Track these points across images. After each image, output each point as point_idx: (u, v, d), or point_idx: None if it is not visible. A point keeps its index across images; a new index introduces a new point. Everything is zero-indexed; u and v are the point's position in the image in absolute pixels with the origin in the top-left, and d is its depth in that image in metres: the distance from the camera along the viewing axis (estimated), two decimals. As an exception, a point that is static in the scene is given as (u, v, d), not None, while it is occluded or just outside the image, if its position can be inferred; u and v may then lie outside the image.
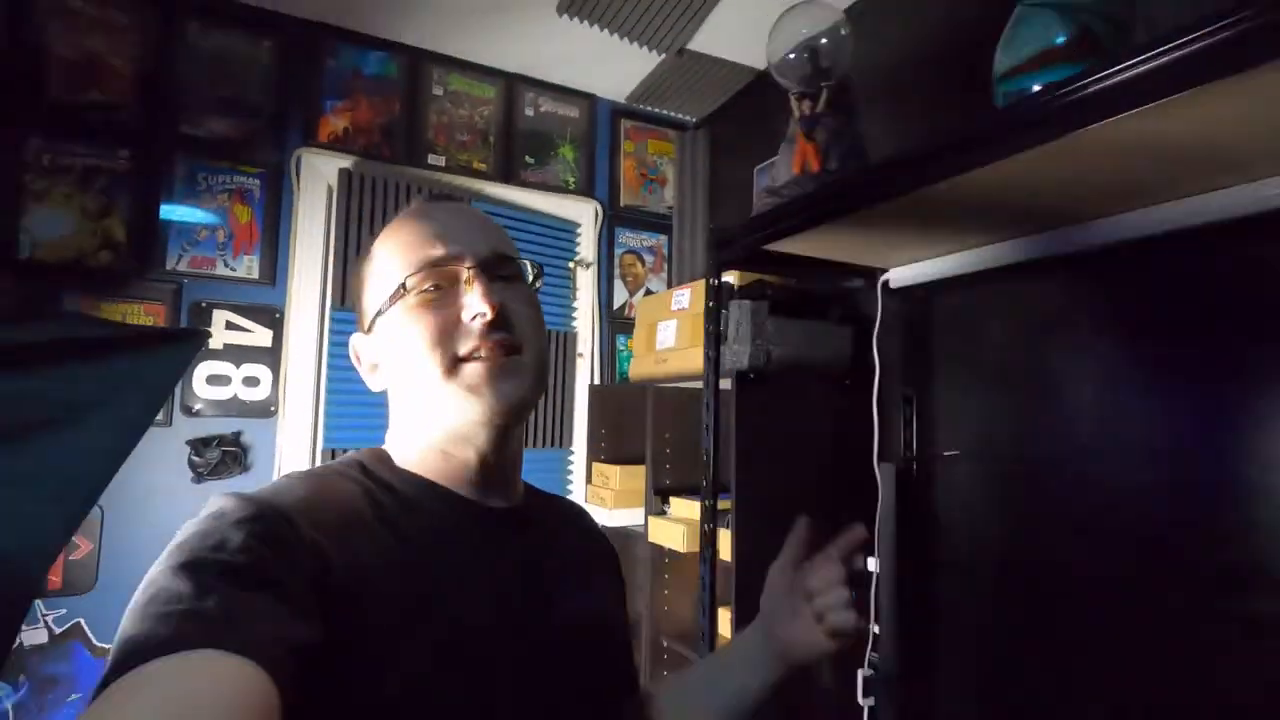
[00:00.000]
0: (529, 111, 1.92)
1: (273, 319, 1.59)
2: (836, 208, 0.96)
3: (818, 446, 1.33)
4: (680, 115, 2.10)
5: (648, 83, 1.91)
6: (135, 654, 0.34)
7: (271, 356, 1.58)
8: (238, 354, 1.56)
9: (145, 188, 1.49)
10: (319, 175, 1.65)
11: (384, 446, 0.60)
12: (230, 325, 1.55)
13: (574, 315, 1.94)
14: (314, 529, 0.46)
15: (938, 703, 1.23)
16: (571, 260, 1.93)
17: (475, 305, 0.52)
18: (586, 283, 1.95)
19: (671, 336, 1.65)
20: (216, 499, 0.46)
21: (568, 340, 1.91)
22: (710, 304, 1.21)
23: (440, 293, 0.55)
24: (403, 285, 0.54)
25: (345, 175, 1.63)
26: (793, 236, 1.07)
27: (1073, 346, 1.05)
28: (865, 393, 1.26)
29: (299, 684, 0.38)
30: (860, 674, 1.25)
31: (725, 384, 1.25)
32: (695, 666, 0.72)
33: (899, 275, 1.26)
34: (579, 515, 0.70)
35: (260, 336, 1.58)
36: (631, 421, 1.73)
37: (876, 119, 1.30)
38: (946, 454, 1.22)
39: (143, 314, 1.47)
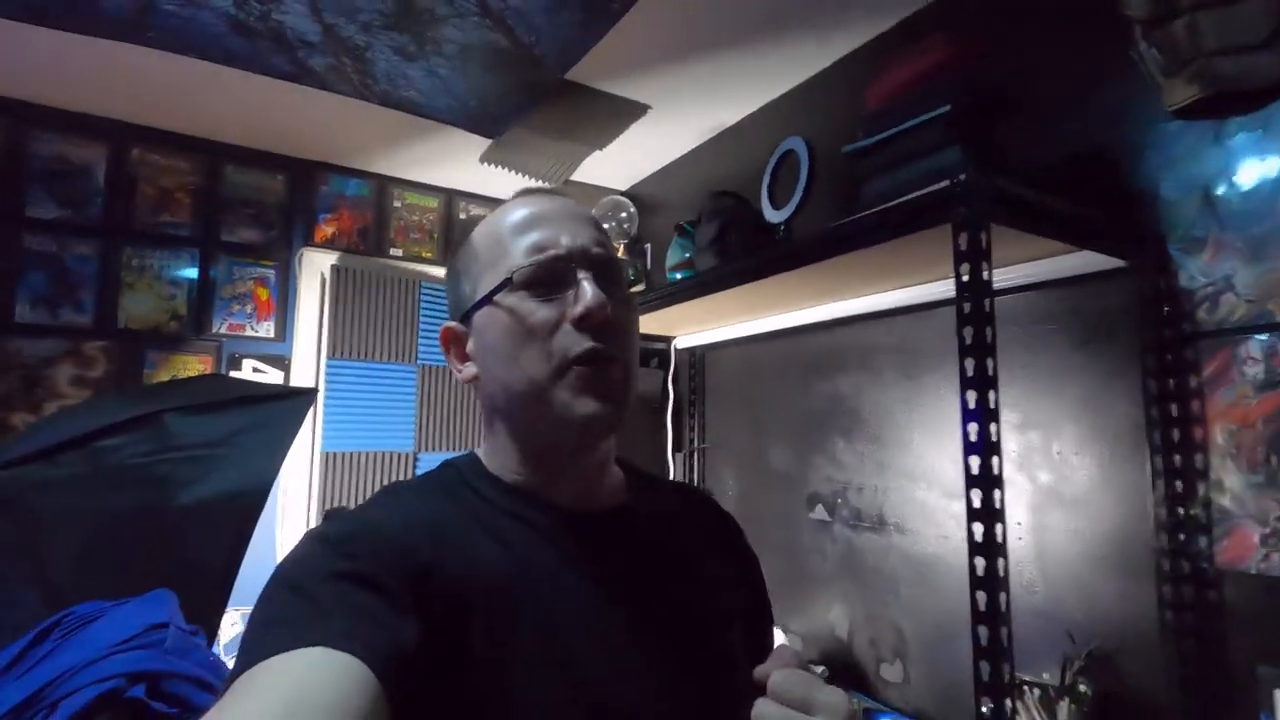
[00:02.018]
0: (462, 215, 2.72)
1: (283, 364, 2.33)
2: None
3: (638, 444, 2.16)
4: (573, 213, 2.94)
5: (547, 196, 2.73)
6: (255, 654, 0.38)
7: (282, 390, 2.33)
8: (259, 388, 2.30)
9: (201, 277, 2.23)
10: (315, 266, 2.41)
11: (478, 451, 0.60)
12: (256, 370, 2.29)
13: (495, 358, 2.74)
14: (412, 542, 0.47)
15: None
16: (493, 319, 2.74)
17: (584, 305, 0.51)
18: (504, 335, 2.76)
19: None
20: (319, 523, 0.49)
21: (490, 375, 2.71)
22: (567, 359, 2.04)
23: (544, 289, 0.52)
24: (509, 278, 0.52)
25: (335, 271, 2.40)
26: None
27: (776, 385, 1.92)
28: (665, 412, 2.11)
29: (403, 687, 0.40)
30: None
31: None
32: None
33: (681, 341, 2.11)
34: (693, 501, 0.68)
35: (275, 376, 2.32)
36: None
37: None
38: (704, 446, 2.08)
39: (197, 363, 2.20)
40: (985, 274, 0.86)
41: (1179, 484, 1.05)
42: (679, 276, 1.53)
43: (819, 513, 1.69)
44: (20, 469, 1.13)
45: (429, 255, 2.64)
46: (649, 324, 2.01)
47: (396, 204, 2.59)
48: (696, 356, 2.14)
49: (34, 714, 0.83)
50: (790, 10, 1.55)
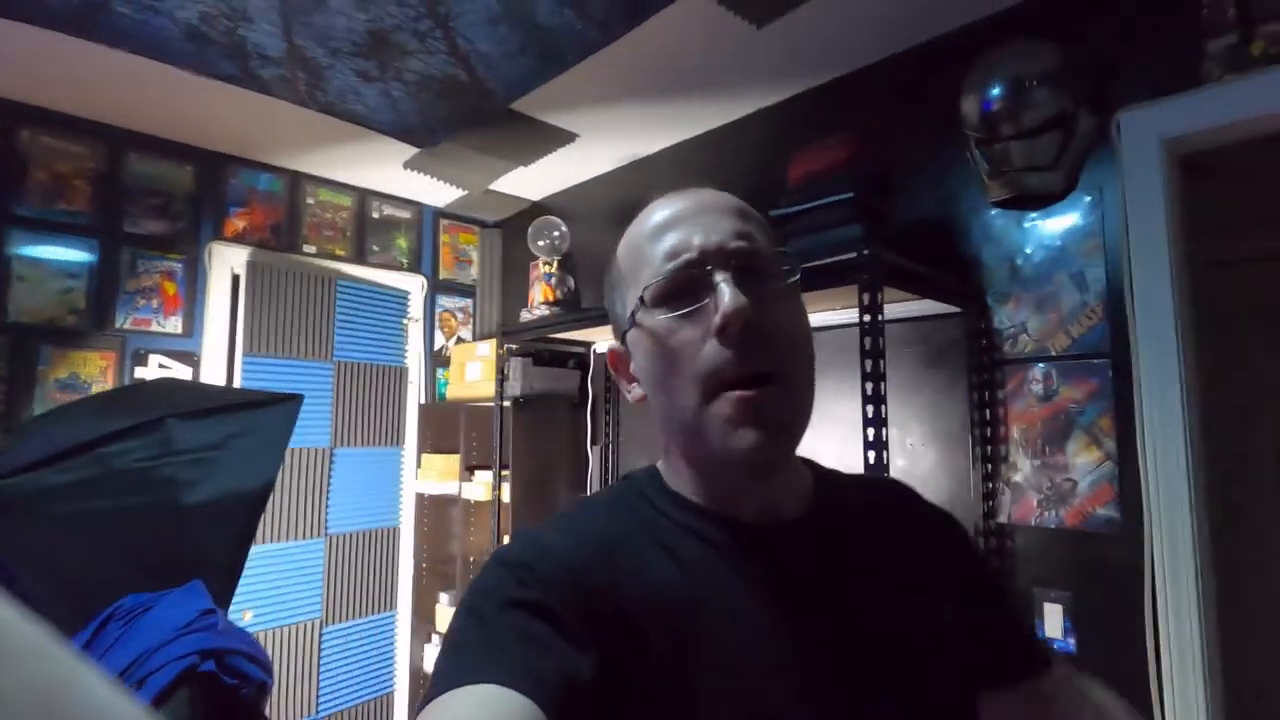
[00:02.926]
0: (375, 214, 2.77)
1: (192, 360, 2.29)
2: (562, 320, 2.03)
3: (559, 438, 2.40)
4: (482, 217, 3.08)
5: (462, 201, 2.86)
6: (437, 684, 0.41)
7: (191, 387, 2.28)
8: (167, 385, 2.24)
9: (102, 270, 2.13)
10: (225, 260, 2.38)
11: (658, 464, 0.58)
12: (162, 365, 2.23)
13: (406, 355, 2.83)
14: (588, 564, 0.48)
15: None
16: (405, 318, 2.82)
17: (721, 313, 0.47)
18: (416, 333, 2.85)
19: (478, 373, 2.63)
20: (503, 545, 0.51)
21: (402, 373, 2.79)
22: (500, 360, 2.23)
23: (683, 300, 0.50)
24: (641, 299, 0.51)
25: (251, 267, 2.38)
26: (544, 329, 2.13)
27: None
28: (584, 408, 2.36)
29: (578, 714, 0.40)
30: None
31: (506, 404, 2.27)
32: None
33: (600, 346, 2.37)
34: (894, 498, 0.64)
35: (183, 372, 2.27)
36: (448, 427, 2.67)
37: (589, 277, 2.40)
38: (621, 439, 2.36)
39: (98, 359, 2.11)
40: (880, 319, 1.22)
41: (989, 466, 1.50)
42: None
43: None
44: (25, 476, 1.16)
45: (342, 253, 2.67)
46: (581, 334, 2.25)
47: (309, 200, 2.60)
48: (612, 360, 2.41)
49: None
50: (704, 73, 1.85)
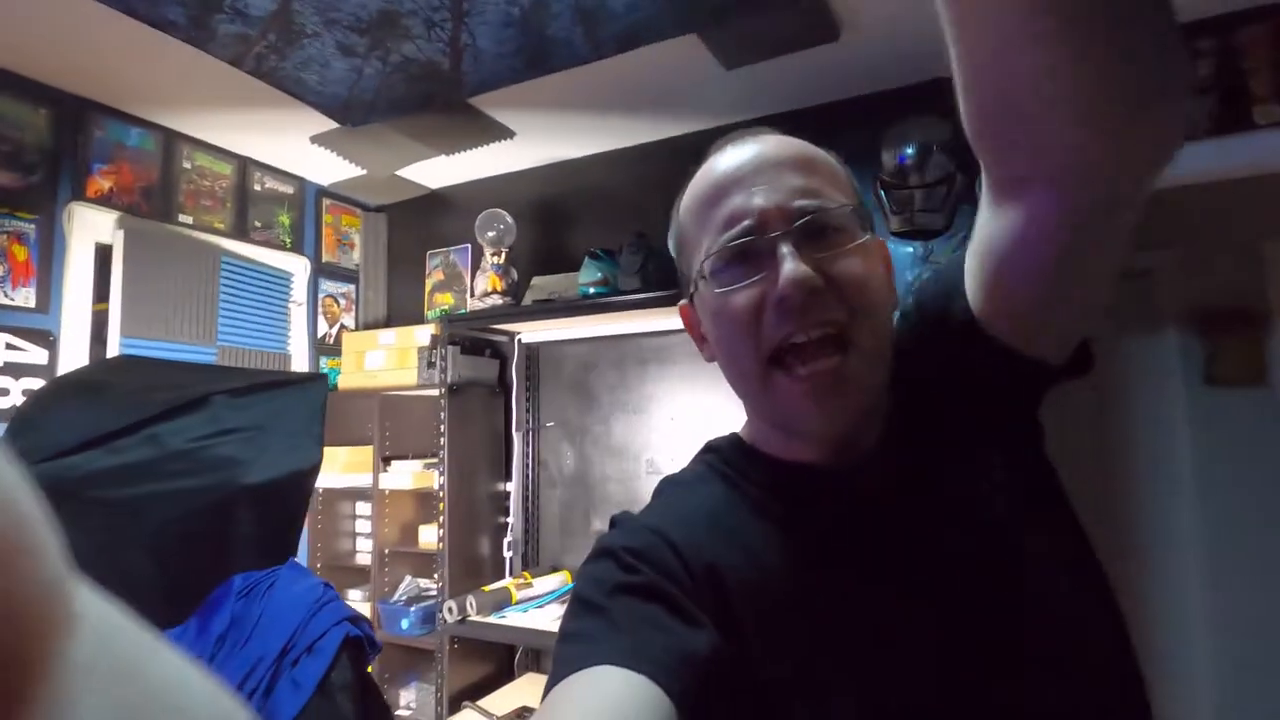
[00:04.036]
0: (257, 186, 2.53)
1: (48, 341, 1.92)
2: (506, 312, 2.13)
3: (485, 423, 2.46)
4: (364, 200, 2.95)
5: (350, 182, 2.73)
6: (559, 670, 0.41)
7: (47, 372, 1.92)
8: (16, 370, 1.86)
9: (-69, 226, 1.71)
10: (88, 224, 2.03)
11: (739, 430, 0.58)
12: (10, 346, 1.85)
13: (289, 342, 2.62)
14: (692, 540, 0.48)
15: (543, 554, 2.48)
16: (289, 301, 2.61)
17: (780, 287, 0.45)
18: (300, 318, 2.65)
19: (381, 361, 2.55)
20: (607, 532, 0.51)
21: (284, 360, 2.58)
22: (433, 350, 2.24)
23: (744, 267, 0.48)
24: (702, 267, 0.50)
25: (127, 236, 2.05)
26: (492, 319, 2.20)
27: (614, 375, 2.44)
28: (508, 394, 2.46)
29: (698, 690, 0.40)
30: (505, 541, 2.42)
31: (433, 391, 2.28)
32: None
33: (526, 336, 2.49)
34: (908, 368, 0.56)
35: (36, 355, 1.90)
36: (349, 417, 2.55)
37: (519, 266, 2.49)
38: (548, 425, 2.50)
39: (-72, 335, 1.69)
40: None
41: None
42: (591, 291, 1.96)
43: (654, 469, 2.31)
44: (75, 458, 1.02)
45: (222, 226, 2.41)
46: (509, 325, 2.34)
47: (186, 164, 2.30)
48: (533, 350, 2.53)
49: (296, 657, 0.93)
50: (660, 94, 2.11)
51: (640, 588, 0.45)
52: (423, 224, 2.91)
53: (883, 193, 1.93)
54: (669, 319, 2.21)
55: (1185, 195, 2.25)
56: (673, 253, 0.59)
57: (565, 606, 0.48)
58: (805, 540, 0.50)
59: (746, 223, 0.48)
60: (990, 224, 0.45)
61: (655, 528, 0.49)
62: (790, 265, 0.46)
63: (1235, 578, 2.30)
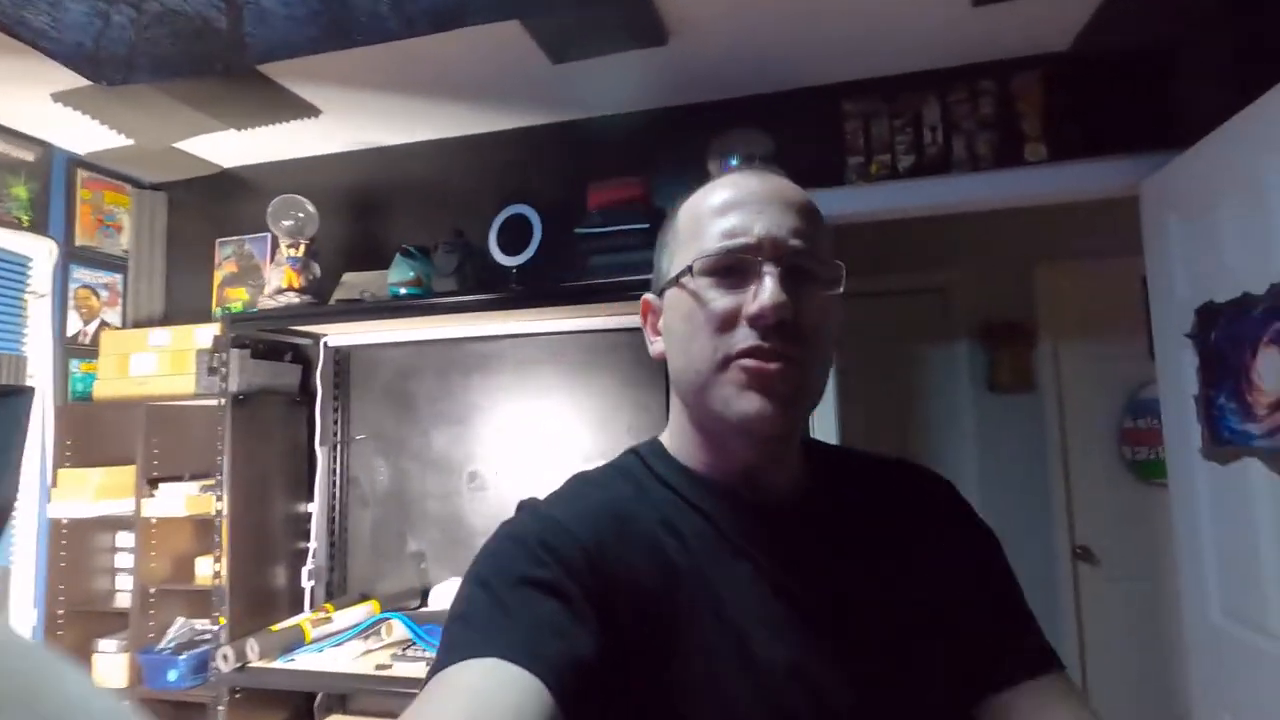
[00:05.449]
0: (-24, 150, 2.05)
1: None
2: (301, 312, 1.88)
3: (282, 436, 2.16)
4: (138, 175, 2.50)
5: (117, 152, 2.30)
6: (446, 654, 0.42)
7: None
8: None
9: None
10: None
11: (661, 436, 0.60)
12: None
13: (25, 341, 2.15)
14: (598, 540, 0.48)
15: (351, 581, 2.24)
16: (25, 292, 2.15)
17: (759, 303, 0.49)
18: (42, 312, 2.19)
19: (152, 365, 2.18)
20: (513, 517, 0.52)
21: (18, 364, 2.12)
22: (217, 353, 1.93)
23: (729, 279, 0.52)
24: (690, 268, 0.53)
25: None
26: (289, 319, 1.93)
27: (437, 382, 2.24)
28: (312, 404, 2.19)
29: (583, 693, 0.41)
30: (304, 570, 2.15)
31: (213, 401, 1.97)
32: None
33: (334, 339, 2.23)
34: (901, 479, 0.63)
35: None
36: (105, 432, 2.14)
37: (327, 261, 2.23)
38: (359, 437, 2.26)
39: None
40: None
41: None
42: (403, 292, 1.77)
43: (478, 484, 2.16)
44: None
45: (-78, 196, 1.91)
46: (315, 326, 2.08)
47: None
48: (343, 354, 2.28)
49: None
50: (484, 85, 1.97)
51: (544, 584, 0.45)
52: (213, 207, 2.53)
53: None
54: (497, 323, 2.07)
55: (974, 219, 2.50)
56: (659, 249, 0.60)
57: (461, 580, 0.49)
58: (709, 559, 0.52)
59: (744, 240, 0.52)
60: None
61: (568, 524, 0.50)
62: (773, 289, 0.49)
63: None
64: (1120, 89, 1.79)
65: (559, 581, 0.46)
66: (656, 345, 0.59)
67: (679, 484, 0.56)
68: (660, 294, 0.58)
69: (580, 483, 0.58)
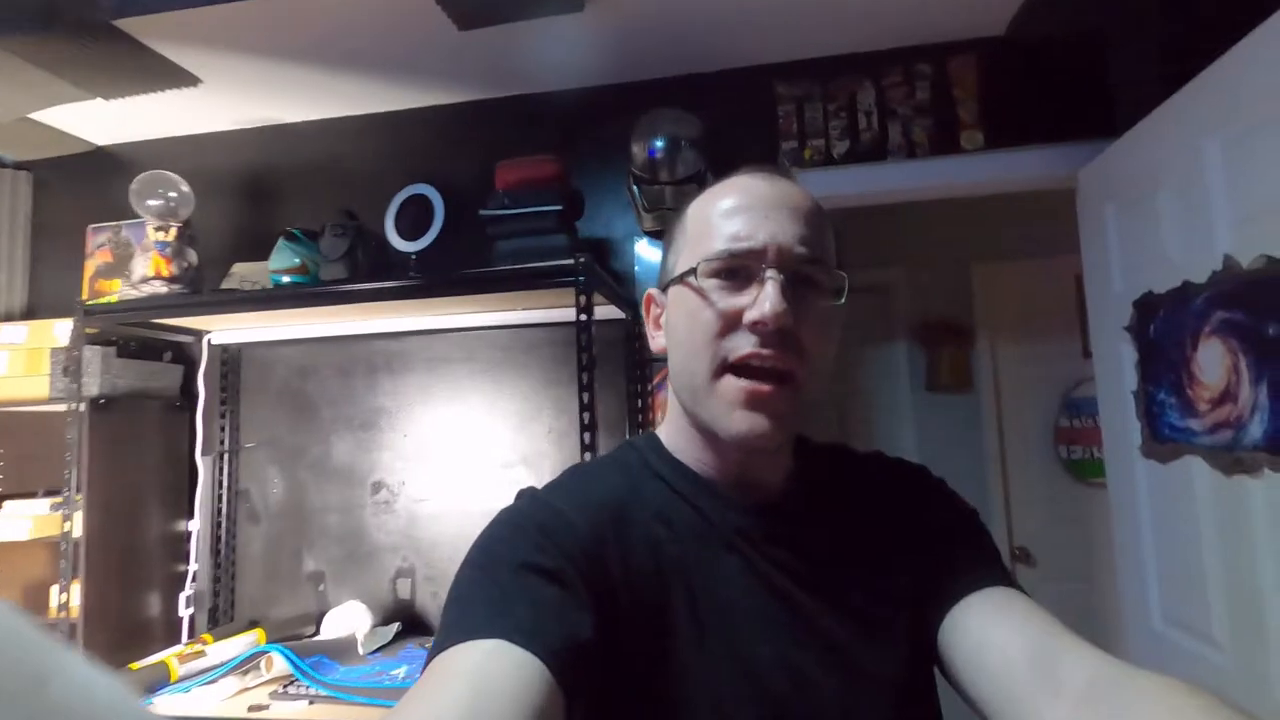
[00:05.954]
0: None
1: None
2: (170, 302, 1.65)
3: (158, 445, 1.92)
4: (-4, 151, 2.21)
5: (-37, 122, 2.01)
6: (446, 636, 0.42)
7: None
8: None
9: None
10: None
11: (658, 431, 0.62)
12: None
13: None
14: (596, 530, 0.50)
15: (240, 607, 2.00)
16: None
17: (759, 310, 0.49)
18: None
19: (2, 367, 1.90)
20: (512, 504, 0.53)
21: None
22: (73, 351, 1.68)
23: (732, 282, 0.52)
24: (694, 268, 0.53)
25: None
26: (154, 311, 1.70)
27: (338, 385, 2.02)
28: (192, 409, 1.95)
29: (579, 680, 0.42)
30: (182, 596, 1.91)
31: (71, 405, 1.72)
32: None
33: (218, 336, 1.99)
34: (889, 476, 0.63)
35: None
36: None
37: (215, 251, 1.99)
38: (249, 445, 2.02)
39: None
40: (591, 319, 1.41)
41: (641, 445, 1.84)
42: (286, 280, 1.56)
43: (383, 495, 1.95)
44: None
45: None
46: (193, 321, 1.85)
47: None
48: (232, 354, 2.04)
49: None
50: (387, 55, 1.78)
51: (544, 569, 0.46)
52: (85, 190, 2.26)
53: (635, 187, 1.78)
54: (403, 318, 1.88)
55: (912, 217, 2.42)
56: (666, 244, 0.60)
57: (465, 559, 0.49)
58: (702, 543, 0.54)
59: (750, 245, 0.52)
60: None
61: (567, 512, 0.51)
62: (775, 297, 0.49)
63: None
64: (1057, 75, 1.73)
65: (559, 567, 0.47)
66: (658, 340, 0.60)
67: (674, 479, 0.57)
68: (664, 290, 0.59)
69: (578, 474, 0.59)
